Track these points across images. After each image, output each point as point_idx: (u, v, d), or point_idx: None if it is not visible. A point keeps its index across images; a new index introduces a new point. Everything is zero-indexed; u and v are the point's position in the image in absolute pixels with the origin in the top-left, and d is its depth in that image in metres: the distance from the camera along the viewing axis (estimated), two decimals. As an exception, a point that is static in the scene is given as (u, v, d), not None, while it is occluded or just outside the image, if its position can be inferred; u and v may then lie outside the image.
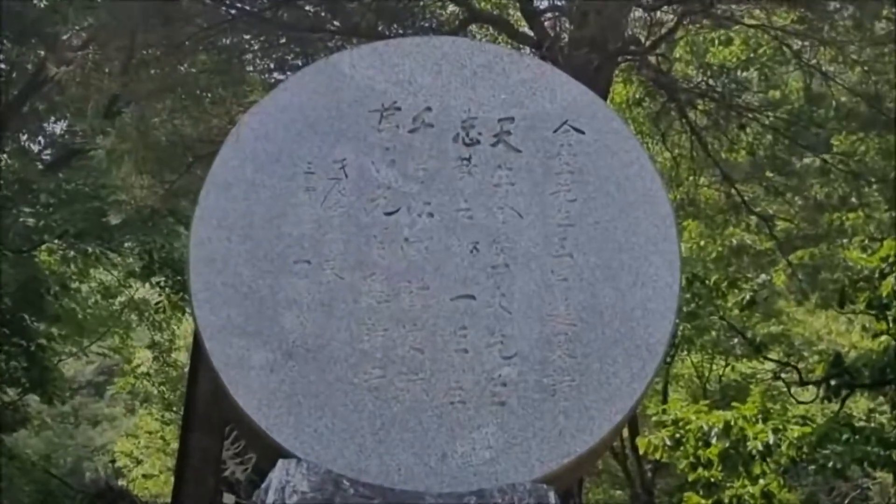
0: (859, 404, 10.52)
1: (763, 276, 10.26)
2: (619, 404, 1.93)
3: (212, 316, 1.99)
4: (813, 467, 8.46)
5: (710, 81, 9.18)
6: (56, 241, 10.38)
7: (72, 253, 11.29)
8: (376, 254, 2.03)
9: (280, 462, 1.90)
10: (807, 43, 8.54)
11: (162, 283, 11.24)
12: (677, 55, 9.21)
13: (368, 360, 1.95)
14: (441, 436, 1.91)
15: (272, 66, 9.28)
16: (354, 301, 1.98)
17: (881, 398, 9.74)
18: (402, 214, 2.08)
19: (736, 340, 11.97)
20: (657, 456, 9.05)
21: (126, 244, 10.85)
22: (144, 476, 15.14)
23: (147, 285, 12.32)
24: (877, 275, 7.61)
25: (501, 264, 2.03)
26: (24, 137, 13.13)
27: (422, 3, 8.51)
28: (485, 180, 2.12)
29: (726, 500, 8.40)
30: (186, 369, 10.44)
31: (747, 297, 9.74)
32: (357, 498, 1.90)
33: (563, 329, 1.96)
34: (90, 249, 10.70)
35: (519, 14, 9.07)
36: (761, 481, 8.15)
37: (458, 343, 1.96)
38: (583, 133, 2.18)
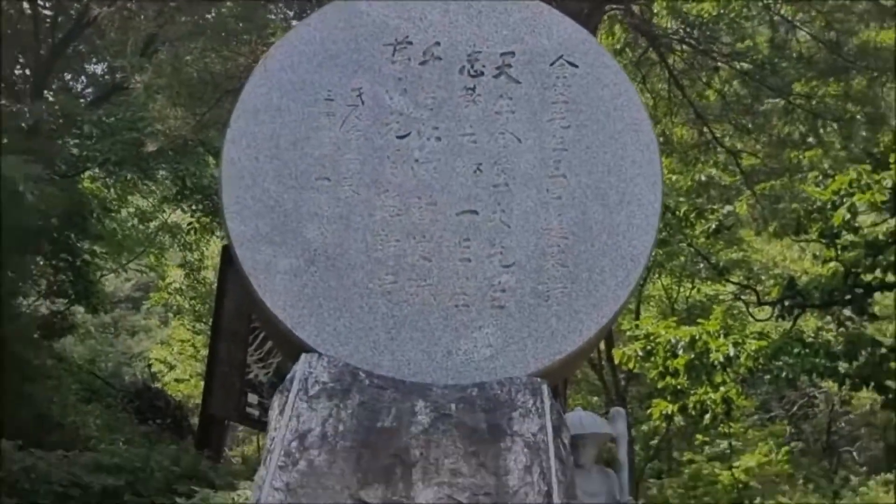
0: (809, 323, 10.85)
1: (728, 207, 10.36)
2: (605, 309, 1.96)
3: (242, 226, 1.98)
4: (767, 377, 8.80)
5: (687, 30, 8.99)
6: (98, 168, 10.51)
7: (112, 179, 11.47)
8: (389, 173, 2.02)
9: (303, 356, 1.94)
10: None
11: (193, 208, 11.41)
12: (657, 9, 9.03)
13: (382, 267, 1.96)
14: (446, 335, 1.95)
15: (291, 14, 9.32)
16: (370, 215, 1.98)
17: (828, 317, 10.01)
18: (412, 138, 2.06)
19: (702, 265, 12.08)
20: (630, 366, 9.31)
21: (160, 172, 11.00)
22: (177, 380, 15.53)
23: (179, 210, 12.43)
24: (829, 207, 7.65)
25: (502, 184, 2.02)
26: (69, 77, 13.26)
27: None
28: (487, 108, 2.08)
29: (691, 405, 8.77)
30: (214, 286, 10.71)
31: (713, 226, 9.90)
32: (372, 388, 1.94)
33: (557, 242, 1.97)
34: (128, 176, 10.92)
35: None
36: (722, 389, 8.49)
37: (462, 253, 1.97)
38: (576, 67, 2.13)
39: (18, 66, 11.93)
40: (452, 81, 2.10)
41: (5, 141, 8.21)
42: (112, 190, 11.88)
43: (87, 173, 11.06)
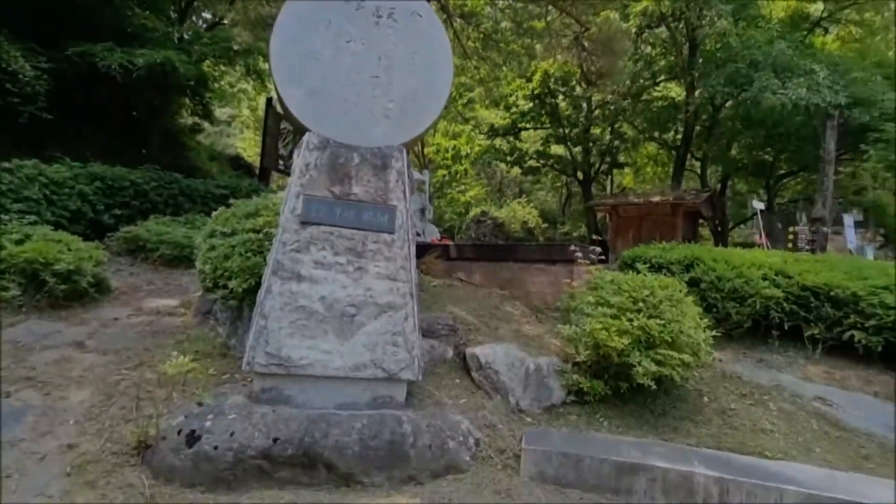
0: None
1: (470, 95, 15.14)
2: (430, 117, 4.56)
3: (280, 78, 4.19)
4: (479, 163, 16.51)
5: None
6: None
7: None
8: (343, 56, 4.31)
9: (307, 133, 4.33)
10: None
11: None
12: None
13: (340, 95, 4.36)
14: (369, 127, 4.40)
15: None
16: (335, 73, 4.31)
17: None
18: (352, 42, 4.34)
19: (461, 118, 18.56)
20: (431, 155, 15.19)
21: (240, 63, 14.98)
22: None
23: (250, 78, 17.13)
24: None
25: (389, 65, 4.44)
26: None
27: None
28: (383, 30, 4.43)
29: (453, 171, 17.07)
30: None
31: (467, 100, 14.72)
32: (335, 147, 4.29)
33: (412, 90, 4.49)
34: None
35: None
36: (463, 164, 15.78)
37: (372, 93, 4.35)
38: (421, 16, 4.54)
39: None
40: (369, 18, 4.40)
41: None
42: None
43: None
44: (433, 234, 13.51)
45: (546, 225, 24.89)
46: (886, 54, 18.10)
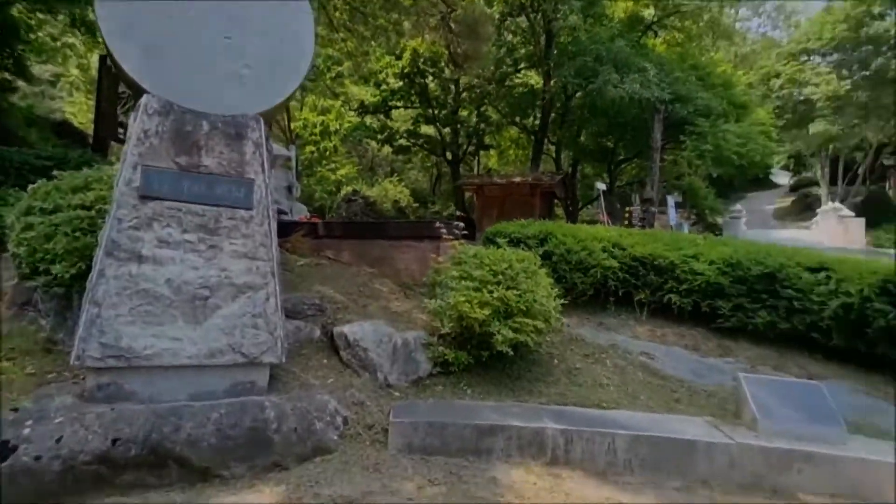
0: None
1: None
2: (291, 86, 4.23)
3: (109, 28, 3.59)
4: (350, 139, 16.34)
5: None
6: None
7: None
8: (191, 18, 3.83)
9: (145, 95, 3.79)
10: None
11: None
12: None
13: (195, 54, 3.87)
14: (221, 91, 4.00)
15: None
16: (175, 33, 3.82)
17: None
18: (208, 13, 3.87)
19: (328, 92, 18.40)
20: (298, 131, 14.89)
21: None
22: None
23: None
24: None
25: (239, 31, 4.05)
26: None
27: None
28: (243, 4, 4.02)
29: (321, 147, 17.03)
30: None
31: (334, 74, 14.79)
32: (180, 113, 3.85)
33: (271, 53, 4.14)
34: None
35: None
36: (332, 140, 16.04)
37: (224, 56, 3.98)
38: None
39: None
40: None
41: None
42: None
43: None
44: (301, 213, 12.92)
45: (417, 204, 25.20)
46: (700, 59, 20.96)
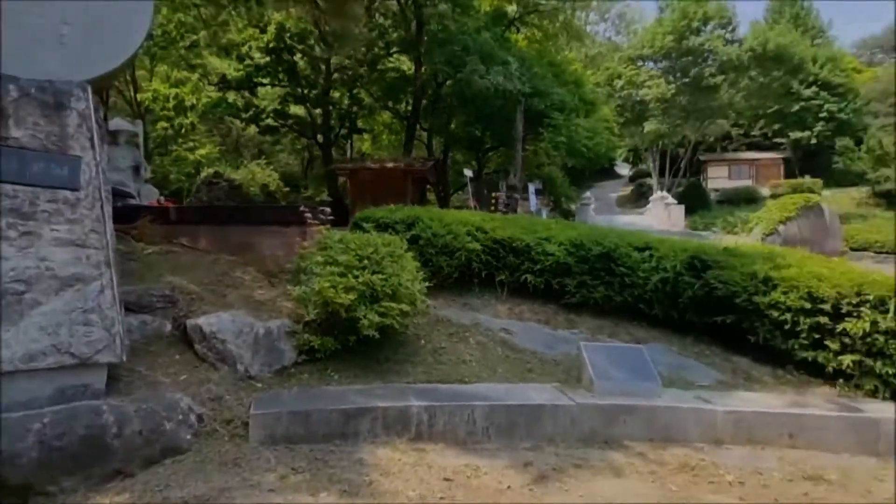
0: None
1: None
2: (124, 51, 3.76)
3: None
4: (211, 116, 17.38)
5: None
6: None
7: None
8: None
9: None
10: None
11: None
12: None
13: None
14: (34, 54, 3.41)
15: None
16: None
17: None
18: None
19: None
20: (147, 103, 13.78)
21: None
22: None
23: None
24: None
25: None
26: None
27: None
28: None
29: (176, 125, 17.07)
30: None
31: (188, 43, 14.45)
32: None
33: (100, 12, 3.60)
34: None
35: None
36: (189, 117, 15.90)
37: (42, 12, 3.41)
38: None
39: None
40: None
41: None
42: None
43: None
44: (153, 196, 11.58)
45: (288, 189, 23.99)
46: (556, 56, 22.63)
